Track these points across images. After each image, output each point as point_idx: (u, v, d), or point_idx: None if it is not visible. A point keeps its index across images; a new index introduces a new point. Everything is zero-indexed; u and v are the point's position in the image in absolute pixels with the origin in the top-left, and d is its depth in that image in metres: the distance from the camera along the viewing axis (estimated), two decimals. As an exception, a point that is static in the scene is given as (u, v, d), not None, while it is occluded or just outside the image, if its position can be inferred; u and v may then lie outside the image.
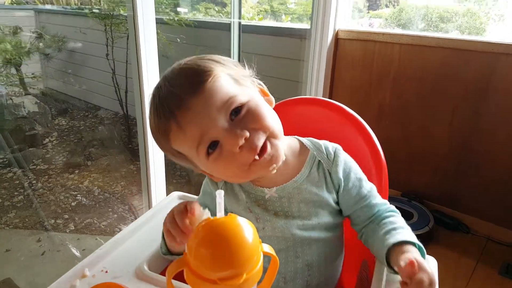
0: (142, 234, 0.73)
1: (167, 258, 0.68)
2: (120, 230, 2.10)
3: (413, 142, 2.17)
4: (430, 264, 0.67)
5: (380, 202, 0.72)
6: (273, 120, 0.62)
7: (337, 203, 0.72)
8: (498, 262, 1.85)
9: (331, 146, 0.73)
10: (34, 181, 2.39)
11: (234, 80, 0.62)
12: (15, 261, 1.78)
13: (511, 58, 1.80)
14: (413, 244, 0.63)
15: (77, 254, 1.84)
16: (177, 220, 0.55)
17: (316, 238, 0.70)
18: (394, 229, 0.66)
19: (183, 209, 0.55)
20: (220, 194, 0.45)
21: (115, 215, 2.19)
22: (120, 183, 2.48)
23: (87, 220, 2.12)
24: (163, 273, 0.65)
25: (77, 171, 2.54)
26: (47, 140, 2.81)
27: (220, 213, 0.45)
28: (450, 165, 2.11)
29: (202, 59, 0.63)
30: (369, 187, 0.73)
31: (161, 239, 0.67)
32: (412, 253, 0.60)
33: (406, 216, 1.99)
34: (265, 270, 0.47)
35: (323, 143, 0.73)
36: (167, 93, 0.60)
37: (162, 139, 0.63)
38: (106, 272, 0.61)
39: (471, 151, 2.02)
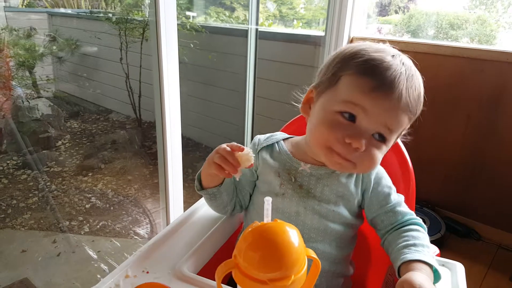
0: (179, 235, 0.76)
1: (200, 193, 0.78)
2: (135, 233, 2.13)
3: (426, 150, 2.18)
4: (457, 270, 0.69)
5: (406, 211, 0.74)
6: (373, 167, 0.70)
7: (360, 206, 0.75)
8: (509, 269, 1.86)
9: None
10: (48, 183, 2.43)
11: (401, 128, 0.69)
12: (31, 262, 1.80)
13: (525, 67, 1.81)
14: (429, 265, 0.63)
15: (94, 255, 1.87)
16: (228, 157, 0.66)
17: (325, 227, 0.73)
18: (414, 245, 0.66)
19: (229, 149, 0.67)
20: (268, 201, 0.48)
21: (130, 218, 2.22)
22: (134, 186, 2.51)
23: (101, 222, 2.15)
24: (200, 273, 0.68)
25: (90, 174, 2.57)
26: (60, 142, 2.84)
27: (268, 219, 0.48)
28: (462, 173, 2.12)
29: (420, 91, 0.68)
30: (397, 197, 0.75)
31: (196, 181, 0.77)
32: (422, 274, 0.60)
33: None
34: None
35: None
36: (404, 77, 0.65)
37: (352, 64, 0.66)
38: (147, 272, 0.64)
39: (483, 160, 2.03)
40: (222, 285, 0.49)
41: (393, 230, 0.73)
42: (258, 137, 0.82)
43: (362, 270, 0.82)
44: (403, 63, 0.66)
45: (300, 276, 0.45)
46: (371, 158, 0.66)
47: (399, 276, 0.65)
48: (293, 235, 0.46)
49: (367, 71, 0.64)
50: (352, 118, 0.65)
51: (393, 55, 0.66)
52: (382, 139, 0.67)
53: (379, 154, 0.68)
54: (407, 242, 0.67)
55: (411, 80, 0.65)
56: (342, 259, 0.78)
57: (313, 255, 0.48)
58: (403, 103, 0.64)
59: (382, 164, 0.77)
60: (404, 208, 0.74)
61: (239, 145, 0.68)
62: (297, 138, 0.81)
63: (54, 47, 2.92)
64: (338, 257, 0.77)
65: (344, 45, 0.74)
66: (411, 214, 0.74)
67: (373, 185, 0.74)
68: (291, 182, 0.74)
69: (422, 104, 0.69)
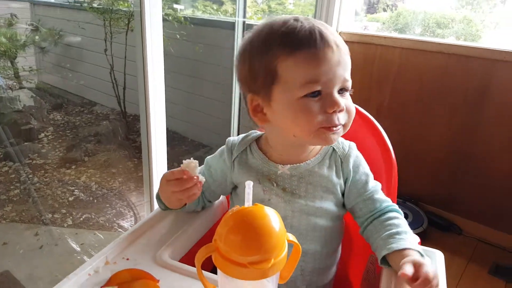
0: (161, 223, 0.75)
1: (166, 211, 0.79)
2: (119, 225, 2.11)
3: (410, 145, 2.20)
4: (437, 258, 0.71)
5: (383, 198, 0.75)
6: (354, 116, 0.70)
7: (343, 194, 0.76)
8: (488, 262, 1.90)
9: (347, 141, 0.78)
10: (30, 176, 2.39)
11: None
12: (13, 254, 1.78)
13: (509, 65, 1.84)
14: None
15: (77, 248, 1.85)
16: (188, 185, 0.67)
17: (313, 225, 0.74)
18: (398, 233, 0.68)
19: (180, 178, 0.68)
20: (249, 185, 0.48)
21: (114, 211, 2.20)
22: (118, 179, 2.49)
23: (85, 215, 2.13)
24: (182, 260, 0.67)
25: (74, 166, 2.54)
26: (42, 134, 2.80)
27: (248, 203, 0.48)
28: (446, 168, 2.15)
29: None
30: (374, 183, 0.76)
31: (157, 201, 0.78)
32: (413, 256, 0.62)
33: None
34: None
35: (341, 138, 0.77)
36: (324, 28, 0.65)
37: (277, 52, 0.64)
38: (127, 259, 0.64)
39: (467, 156, 2.07)
40: (204, 272, 0.49)
41: (372, 218, 0.73)
42: (231, 140, 0.80)
43: (344, 259, 0.83)
44: (308, 20, 0.67)
45: (280, 260, 0.45)
46: (350, 110, 0.68)
47: (384, 264, 0.67)
48: (274, 219, 0.46)
49: (296, 45, 0.63)
50: (317, 93, 0.65)
51: (295, 19, 0.66)
52: (346, 90, 0.68)
53: (351, 102, 0.69)
54: (390, 231, 0.68)
55: (325, 27, 0.66)
56: (332, 253, 0.79)
57: (294, 239, 0.49)
58: (340, 49, 0.65)
59: (365, 155, 0.78)
60: (381, 195, 0.75)
61: (182, 170, 0.69)
62: (269, 136, 0.78)
63: (37, 37, 2.86)
64: (328, 253, 0.78)
65: (242, 40, 0.71)
66: (388, 201, 0.75)
67: (352, 174, 0.75)
68: (273, 188, 0.73)
69: None
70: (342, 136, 0.76)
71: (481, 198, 2.07)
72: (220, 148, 0.81)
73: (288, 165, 0.73)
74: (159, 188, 0.74)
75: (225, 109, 2.57)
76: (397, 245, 0.65)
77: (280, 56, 0.64)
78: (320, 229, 0.74)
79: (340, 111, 0.66)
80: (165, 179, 0.70)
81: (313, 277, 0.77)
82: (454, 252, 1.97)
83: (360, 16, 2.75)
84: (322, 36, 0.63)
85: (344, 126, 0.68)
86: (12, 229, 1.97)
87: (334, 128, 0.66)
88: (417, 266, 0.59)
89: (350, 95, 0.69)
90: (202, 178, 0.69)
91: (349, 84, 0.67)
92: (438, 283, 0.58)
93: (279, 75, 0.65)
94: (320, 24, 0.66)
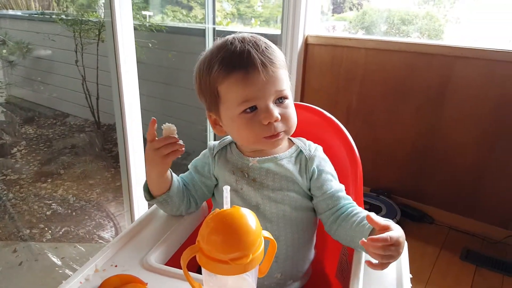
0: (146, 230, 0.79)
1: (151, 203, 0.83)
2: (100, 237, 2.10)
3: (380, 142, 2.29)
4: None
5: (346, 197, 0.81)
6: (295, 122, 0.79)
7: (309, 189, 0.82)
8: (459, 249, 2.00)
9: (314, 144, 0.86)
10: (5, 192, 2.35)
11: (287, 78, 0.78)
12: (-9, 273, 1.76)
13: (467, 61, 1.94)
14: None
15: (58, 262, 1.84)
16: (169, 142, 0.73)
17: (283, 213, 0.80)
18: (362, 220, 0.73)
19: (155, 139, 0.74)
20: (226, 189, 0.52)
21: (93, 223, 2.19)
22: (95, 190, 2.48)
23: (64, 228, 2.11)
24: (168, 263, 0.71)
25: (50, 180, 2.51)
26: (15, 149, 2.75)
27: (227, 205, 0.52)
28: (415, 162, 2.25)
29: (272, 46, 0.77)
30: (338, 185, 0.82)
31: (144, 192, 0.82)
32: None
33: (375, 210, 2.13)
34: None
35: (309, 141, 0.87)
36: (253, 49, 0.72)
37: (216, 75, 0.74)
38: (116, 266, 0.67)
39: (433, 148, 2.16)
40: (190, 273, 0.53)
41: (335, 217, 0.79)
42: (212, 142, 0.90)
43: (319, 254, 0.88)
44: (242, 41, 0.74)
45: (258, 255, 0.50)
46: (288, 118, 0.76)
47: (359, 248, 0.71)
48: (251, 219, 0.51)
49: (229, 69, 0.72)
50: (253, 108, 0.73)
51: (231, 42, 0.74)
52: (284, 99, 0.76)
53: (291, 109, 0.77)
54: (358, 219, 0.74)
55: (258, 45, 0.73)
56: (305, 243, 0.85)
57: (270, 236, 0.53)
58: (270, 65, 0.73)
59: (332, 155, 0.84)
60: (344, 195, 0.81)
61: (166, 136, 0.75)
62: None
63: (4, 51, 2.82)
64: (300, 241, 0.83)
65: (197, 61, 0.82)
66: (349, 200, 0.81)
67: (317, 172, 0.81)
68: (245, 178, 0.81)
69: (280, 50, 0.78)
70: (309, 139, 0.85)
71: (449, 189, 2.17)
72: (202, 151, 0.91)
73: (257, 158, 0.81)
74: (145, 166, 0.79)
75: (201, 114, 2.59)
76: (367, 227, 0.70)
77: (218, 79, 0.74)
78: (290, 217, 0.81)
79: (276, 121, 0.73)
80: (152, 149, 0.74)
81: (287, 266, 0.82)
82: (427, 241, 2.06)
83: (327, 16, 2.81)
84: (249, 58, 0.71)
85: (285, 132, 0.76)
86: (-11, 247, 1.94)
87: (274, 138, 0.75)
88: (384, 229, 0.64)
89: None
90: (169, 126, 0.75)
91: (285, 93, 0.76)
92: (397, 248, 0.62)
93: (221, 96, 0.76)
94: (252, 44, 0.73)
